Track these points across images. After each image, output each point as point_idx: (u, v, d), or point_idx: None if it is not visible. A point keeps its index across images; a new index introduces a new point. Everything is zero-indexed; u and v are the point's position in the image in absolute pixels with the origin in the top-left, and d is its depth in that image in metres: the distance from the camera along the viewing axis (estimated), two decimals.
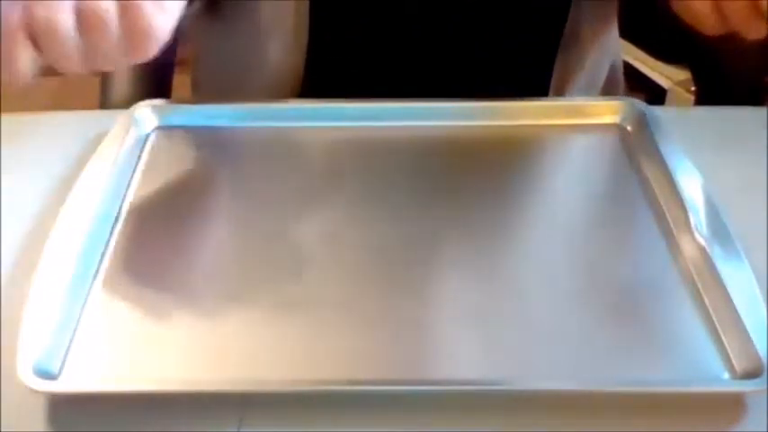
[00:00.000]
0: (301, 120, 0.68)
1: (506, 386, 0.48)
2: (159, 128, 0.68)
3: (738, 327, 0.50)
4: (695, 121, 0.71)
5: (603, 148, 0.68)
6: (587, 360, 0.50)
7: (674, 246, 0.57)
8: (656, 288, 0.55)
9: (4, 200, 0.62)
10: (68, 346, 0.50)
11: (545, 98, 0.74)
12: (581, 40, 0.77)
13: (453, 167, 0.65)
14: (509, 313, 0.53)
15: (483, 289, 0.55)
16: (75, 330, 0.51)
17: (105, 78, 0.88)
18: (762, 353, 0.48)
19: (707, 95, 0.94)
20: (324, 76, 0.75)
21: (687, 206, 0.58)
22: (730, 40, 0.58)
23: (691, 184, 0.60)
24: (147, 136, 0.67)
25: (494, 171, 0.65)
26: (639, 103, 0.68)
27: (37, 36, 0.49)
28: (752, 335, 0.49)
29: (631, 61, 0.96)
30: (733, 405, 0.48)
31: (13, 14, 0.48)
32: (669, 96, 1.48)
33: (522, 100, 0.69)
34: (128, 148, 0.65)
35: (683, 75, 1.38)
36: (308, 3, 0.72)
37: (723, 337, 0.51)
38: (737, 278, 0.53)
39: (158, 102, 0.69)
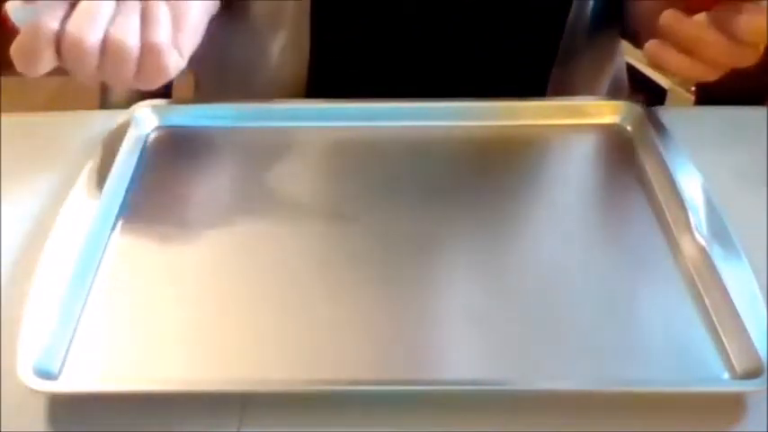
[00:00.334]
0: (301, 120, 0.68)
1: (506, 386, 0.49)
2: (159, 128, 0.68)
3: (738, 327, 0.50)
4: (695, 121, 0.71)
5: (603, 148, 0.68)
6: (587, 360, 0.50)
7: (674, 246, 0.57)
8: (656, 288, 0.55)
9: (4, 200, 0.62)
10: (68, 346, 0.50)
11: (545, 98, 0.74)
12: (582, 40, 0.77)
13: (453, 167, 0.65)
14: (509, 313, 0.53)
15: (483, 289, 0.55)
16: (75, 330, 0.51)
17: None
18: (762, 353, 0.48)
19: (707, 95, 0.94)
20: (325, 76, 0.75)
21: (687, 206, 0.58)
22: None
23: (691, 184, 0.60)
24: (147, 136, 0.67)
25: (494, 171, 0.65)
26: (639, 104, 0.68)
27: (64, 49, 0.54)
28: (752, 335, 0.49)
29: (631, 61, 0.95)
30: (733, 405, 0.48)
31: (51, 23, 0.53)
32: (669, 96, 1.48)
33: (522, 100, 0.69)
34: (128, 148, 0.65)
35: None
36: (309, 3, 0.72)
37: (723, 337, 0.51)
38: (737, 278, 0.53)
39: (158, 102, 0.69)
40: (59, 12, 0.54)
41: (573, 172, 0.66)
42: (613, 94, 0.83)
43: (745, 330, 0.50)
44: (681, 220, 0.58)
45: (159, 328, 0.52)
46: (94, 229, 0.57)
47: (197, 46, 0.59)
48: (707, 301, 0.53)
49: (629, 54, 0.89)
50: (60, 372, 0.49)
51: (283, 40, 0.75)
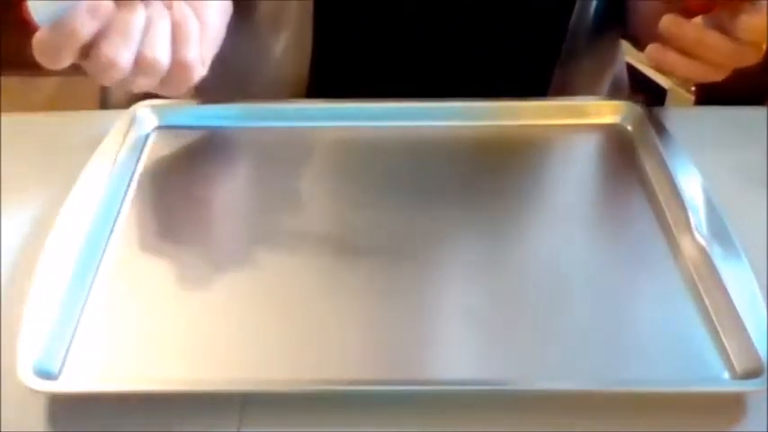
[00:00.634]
0: (302, 120, 0.68)
1: (506, 386, 0.49)
2: (159, 128, 0.68)
3: (738, 327, 0.50)
4: (695, 121, 0.71)
5: (604, 148, 0.68)
6: (587, 360, 0.50)
7: (674, 246, 0.57)
8: (656, 288, 0.55)
9: (4, 200, 0.62)
10: (68, 346, 0.50)
11: (545, 98, 0.74)
12: (583, 41, 0.77)
13: (453, 167, 0.65)
14: (509, 313, 0.53)
15: (483, 288, 0.55)
16: (75, 330, 0.51)
17: None
18: (762, 353, 0.48)
19: (707, 95, 0.94)
20: (327, 77, 0.75)
21: (687, 206, 0.58)
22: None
23: (691, 184, 0.60)
24: (147, 136, 0.67)
25: (494, 171, 0.65)
26: (639, 104, 0.68)
27: (94, 62, 0.53)
28: (752, 335, 0.49)
29: (631, 61, 0.95)
30: (733, 405, 0.48)
31: (83, 29, 0.52)
32: (669, 96, 1.48)
33: (522, 100, 0.69)
34: (128, 148, 0.65)
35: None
36: (312, 3, 0.72)
37: (723, 337, 0.51)
38: (737, 278, 0.53)
39: (158, 102, 0.69)
40: (89, 18, 0.52)
41: (573, 172, 0.66)
42: (613, 94, 0.83)
43: (745, 330, 0.50)
44: (681, 220, 0.58)
45: (159, 328, 0.52)
46: (94, 229, 0.57)
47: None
48: (707, 301, 0.53)
49: (629, 54, 0.89)
50: (60, 372, 0.49)
51: (285, 40, 0.75)
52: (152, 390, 0.48)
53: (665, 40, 0.58)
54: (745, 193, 0.62)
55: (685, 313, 0.52)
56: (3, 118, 0.69)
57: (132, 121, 0.67)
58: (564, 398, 0.48)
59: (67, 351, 0.50)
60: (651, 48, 0.58)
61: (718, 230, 0.56)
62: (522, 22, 0.74)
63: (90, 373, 0.49)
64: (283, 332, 0.52)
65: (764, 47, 0.56)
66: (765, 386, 0.47)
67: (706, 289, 0.53)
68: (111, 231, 0.58)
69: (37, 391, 0.47)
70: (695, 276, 0.54)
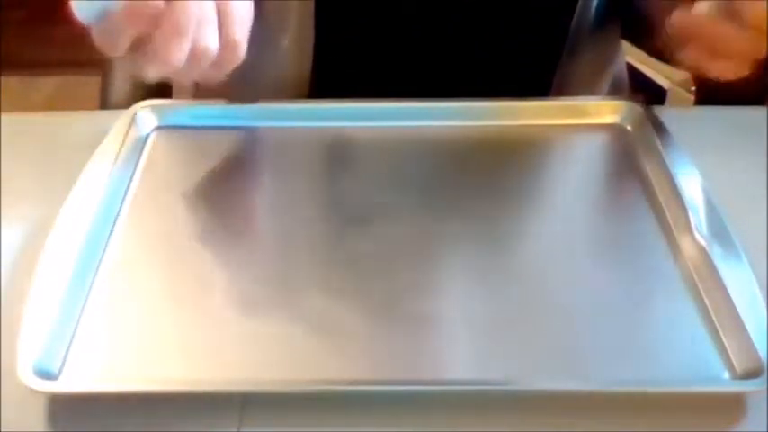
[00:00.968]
0: (301, 120, 0.68)
1: (506, 386, 0.49)
2: (159, 128, 0.68)
3: (738, 327, 0.50)
4: (695, 121, 0.71)
5: (603, 148, 0.68)
6: (587, 360, 0.50)
7: (674, 246, 0.57)
8: (656, 288, 0.55)
9: (4, 200, 0.62)
10: (68, 346, 0.50)
11: (545, 98, 0.74)
12: (584, 41, 0.77)
13: (453, 167, 0.65)
14: (508, 312, 0.53)
15: (482, 288, 0.55)
16: (75, 330, 0.51)
17: (105, 78, 0.88)
18: (762, 353, 0.48)
19: (707, 95, 0.94)
20: (328, 77, 0.75)
21: (687, 206, 0.58)
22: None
23: (691, 184, 0.60)
24: (147, 136, 0.67)
25: (494, 171, 0.65)
26: (639, 104, 0.68)
27: (149, 59, 0.53)
28: (752, 335, 0.49)
29: (631, 61, 0.95)
30: (733, 405, 0.48)
31: (136, 25, 0.52)
32: (669, 96, 1.47)
33: (522, 100, 0.69)
34: (128, 148, 0.65)
35: (683, 75, 1.38)
36: (312, 4, 0.72)
37: (723, 337, 0.51)
38: (737, 278, 0.53)
39: (158, 102, 0.69)
40: (138, 16, 0.52)
41: (573, 172, 0.66)
42: (613, 94, 0.83)
43: (745, 330, 0.50)
44: (681, 220, 0.58)
45: (159, 328, 0.52)
46: (94, 229, 0.57)
47: None
48: (707, 301, 0.53)
49: (629, 54, 0.89)
50: (60, 372, 0.49)
51: (287, 41, 0.75)
52: (152, 390, 0.48)
53: (683, 39, 0.57)
54: (745, 193, 0.62)
55: (685, 313, 0.52)
56: (3, 118, 0.69)
57: (132, 121, 0.67)
58: (564, 398, 0.48)
59: (67, 351, 0.50)
60: (686, 53, 0.58)
61: (718, 230, 0.56)
62: (523, 21, 0.74)
63: (90, 373, 0.49)
64: (283, 332, 0.52)
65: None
66: (765, 386, 0.47)
67: (706, 289, 0.53)
68: (111, 231, 0.58)
69: (37, 391, 0.47)
70: (695, 276, 0.54)
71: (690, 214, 0.58)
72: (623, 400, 0.48)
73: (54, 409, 0.48)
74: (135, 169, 0.64)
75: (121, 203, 0.61)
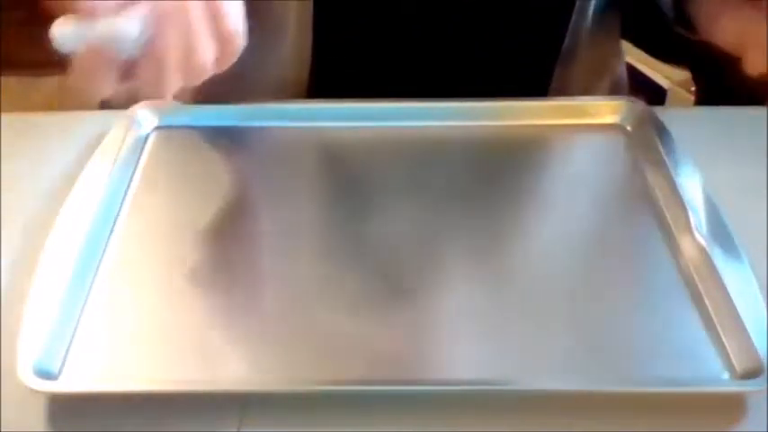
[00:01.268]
0: (301, 120, 0.68)
1: (506, 386, 0.49)
2: (159, 128, 0.68)
3: (738, 327, 0.50)
4: (695, 121, 0.71)
5: (604, 147, 0.68)
6: (587, 360, 0.50)
7: (674, 246, 0.57)
8: (656, 288, 0.55)
9: (4, 200, 0.61)
10: (68, 346, 0.50)
11: (545, 98, 0.74)
12: (584, 41, 0.77)
13: (453, 168, 0.65)
14: (509, 313, 0.53)
15: (482, 288, 0.55)
16: (75, 330, 0.51)
17: None
18: (762, 353, 0.48)
19: (707, 95, 0.94)
20: (327, 77, 0.75)
21: (687, 206, 0.58)
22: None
23: (691, 184, 0.60)
24: (147, 136, 0.67)
25: (494, 171, 0.65)
26: (639, 103, 0.69)
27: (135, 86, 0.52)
28: (752, 335, 0.49)
29: (631, 61, 0.95)
30: (733, 405, 0.48)
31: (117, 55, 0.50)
32: (669, 96, 1.48)
33: (522, 100, 0.69)
34: (128, 148, 0.65)
35: (682, 75, 1.38)
36: (311, 4, 0.72)
37: (723, 337, 0.51)
38: (737, 278, 0.53)
39: (158, 102, 0.69)
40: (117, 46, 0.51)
41: (573, 172, 0.66)
42: (613, 94, 0.83)
43: (745, 330, 0.50)
44: (681, 220, 0.58)
45: (159, 328, 0.52)
46: (94, 229, 0.57)
47: None
48: (707, 301, 0.53)
49: (629, 54, 0.89)
50: (60, 372, 0.49)
51: (286, 41, 0.75)
52: (152, 390, 0.48)
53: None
54: (745, 193, 0.62)
55: (685, 313, 0.52)
56: (3, 118, 0.69)
57: (132, 121, 0.67)
58: (564, 398, 0.48)
59: (67, 351, 0.50)
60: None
61: (718, 230, 0.56)
62: (522, 22, 0.74)
63: (90, 373, 0.49)
64: (283, 333, 0.52)
65: None
66: (765, 386, 0.47)
67: (706, 289, 0.53)
68: (111, 231, 0.58)
69: (37, 391, 0.47)
70: (695, 276, 0.54)
71: (690, 214, 0.58)
72: (623, 400, 0.48)
73: (54, 409, 0.48)
74: (135, 169, 0.64)
75: (121, 203, 0.61)
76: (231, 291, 0.54)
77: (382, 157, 0.66)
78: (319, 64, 0.75)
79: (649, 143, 0.65)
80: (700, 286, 0.54)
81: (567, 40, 0.75)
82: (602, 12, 0.77)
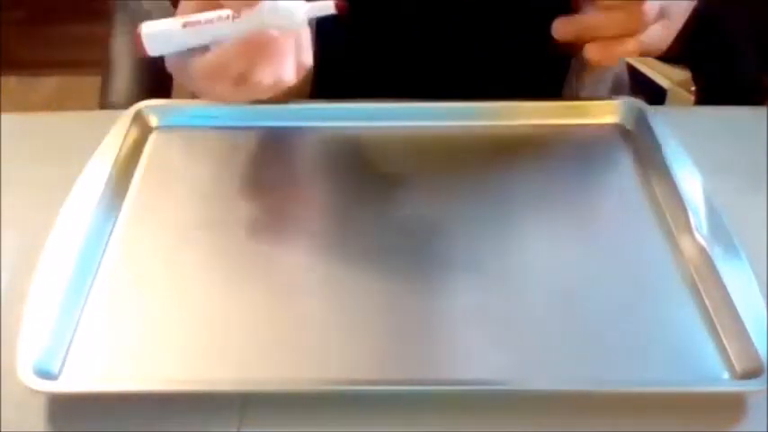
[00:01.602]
0: (301, 119, 0.68)
1: (508, 386, 0.49)
2: (159, 128, 0.68)
3: (738, 327, 0.50)
4: (695, 121, 0.71)
5: (604, 147, 0.68)
6: (588, 360, 0.50)
7: (674, 246, 0.57)
8: (656, 288, 0.55)
9: (4, 200, 0.62)
10: (68, 346, 0.50)
11: (545, 98, 0.74)
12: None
13: (453, 167, 0.65)
14: (509, 313, 0.53)
15: (483, 289, 0.55)
16: (75, 330, 0.51)
17: (105, 78, 0.88)
18: (762, 353, 0.48)
19: (707, 95, 0.94)
20: (327, 77, 0.75)
21: (687, 206, 0.58)
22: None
23: (691, 184, 0.60)
24: (147, 136, 0.67)
25: (494, 171, 0.65)
26: (639, 103, 0.68)
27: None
28: (752, 335, 0.49)
29: (631, 61, 0.95)
30: (733, 405, 0.48)
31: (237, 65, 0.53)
32: (669, 96, 1.48)
33: (523, 100, 0.69)
34: (128, 148, 0.65)
35: (682, 75, 1.38)
36: None
37: (723, 337, 0.51)
38: (737, 278, 0.53)
39: (158, 102, 0.69)
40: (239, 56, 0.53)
41: (573, 172, 0.66)
42: (613, 94, 0.83)
43: (745, 330, 0.50)
44: (681, 220, 0.58)
45: (159, 329, 0.52)
46: (94, 229, 0.57)
47: None
48: (707, 301, 0.53)
49: None
50: (60, 372, 0.49)
51: None
52: (152, 390, 0.48)
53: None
54: (745, 193, 0.62)
55: (685, 313, 0.52)
56: (3, 118, 0.69)
57: (132, 121, 0.67)
58: (564, 398, 0.48)
59: (67, 351, 0.50)
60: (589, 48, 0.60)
61: (718, 230, 0.56)
62: (523, 22, 0.74)
63: (90, 373, 0.49)
64: (283, 332, 0.52)
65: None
66: (765, 386, 0.47)
67: (706, 289, 0.53)
68: (111, 231, 0.58)
69: (37, 391, 0.47)
70: (695, 276, 0.55)
71: (690, 214, 0.58)
72: (623, 400, 0.48)
73: (54, 409, 0.48)
74: (135, 169, 0.64)
75: (121, 203, 0.61)
76: (231, 290, 0.54)
77: (382, 157, 0.66)
78: (320, 63, 0.75)
79: (649, 143, 0.65)
80: (700, 286, 0.54)
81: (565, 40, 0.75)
82: None
